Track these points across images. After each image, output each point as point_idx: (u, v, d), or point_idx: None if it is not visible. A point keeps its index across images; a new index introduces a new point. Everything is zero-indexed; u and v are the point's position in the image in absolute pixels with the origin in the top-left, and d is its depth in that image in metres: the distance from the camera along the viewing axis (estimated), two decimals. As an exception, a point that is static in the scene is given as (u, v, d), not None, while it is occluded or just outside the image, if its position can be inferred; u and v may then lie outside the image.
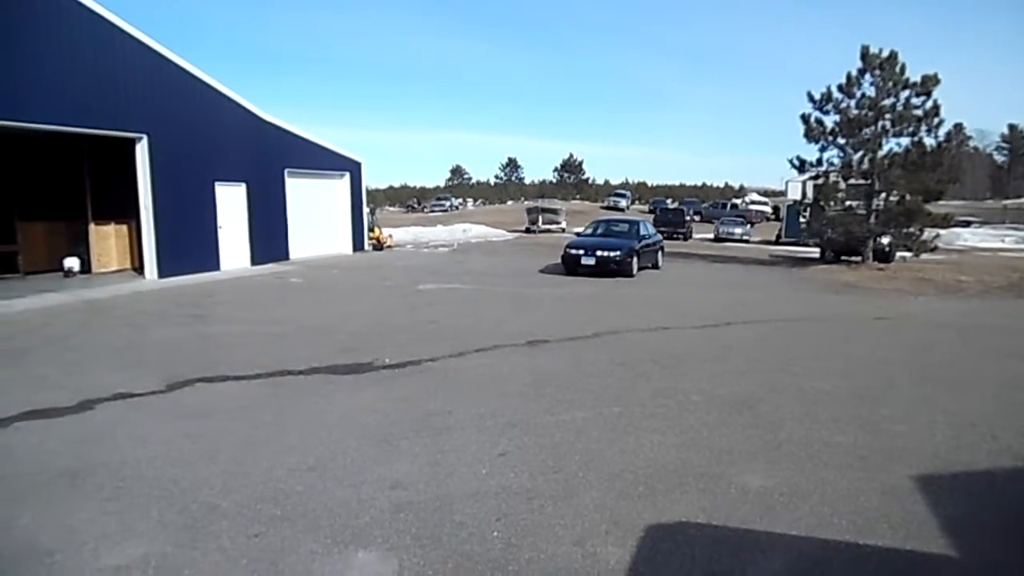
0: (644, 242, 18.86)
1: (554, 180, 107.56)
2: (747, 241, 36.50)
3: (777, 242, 35.43)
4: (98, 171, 17.70)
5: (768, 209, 56.57)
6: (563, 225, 41.56)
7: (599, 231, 19.92)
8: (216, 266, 17.74)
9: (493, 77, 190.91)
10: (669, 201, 67.93)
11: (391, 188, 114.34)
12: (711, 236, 38.40)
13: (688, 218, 39.65)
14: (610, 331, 10.44)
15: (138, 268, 17.05)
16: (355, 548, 3.89)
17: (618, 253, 17.38)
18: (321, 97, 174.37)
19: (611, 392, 7.13)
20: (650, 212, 53.58)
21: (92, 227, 17.35)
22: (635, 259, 17.68)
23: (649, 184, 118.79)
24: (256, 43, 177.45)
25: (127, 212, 16.97)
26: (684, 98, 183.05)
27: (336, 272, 18.40)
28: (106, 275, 16.86)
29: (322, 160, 22.07)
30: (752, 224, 43.72)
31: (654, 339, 10.04)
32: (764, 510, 4.43)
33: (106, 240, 17.51)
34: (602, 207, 67.03)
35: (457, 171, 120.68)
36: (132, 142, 15.74)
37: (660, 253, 20.57)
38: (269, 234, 19.62)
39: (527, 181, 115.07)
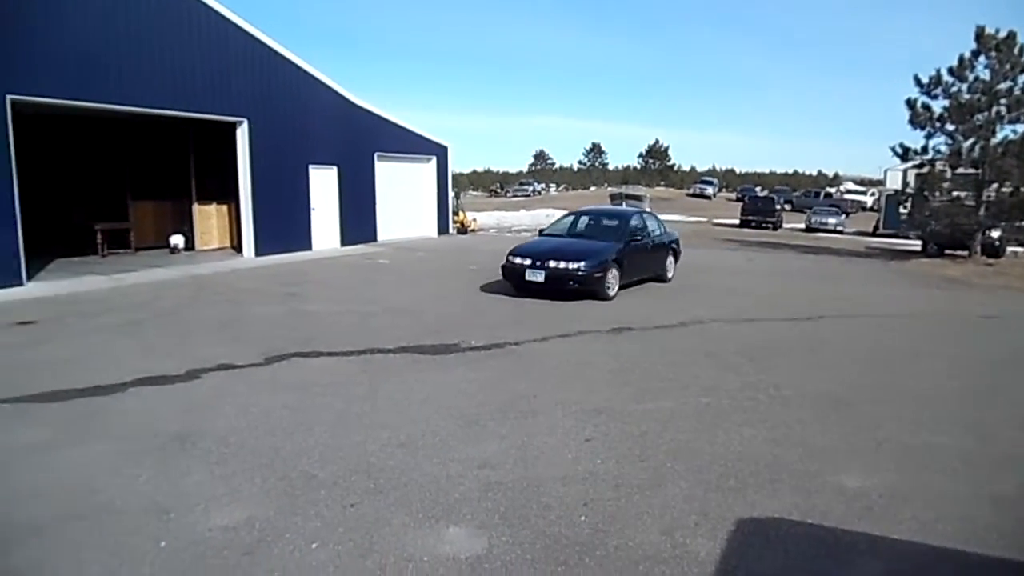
0: (635, 244, 12.71)
1: (638, 166, 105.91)
2: (841, 232, 34.93)
3: (874, 233, 33.79)
4: (202, 154, 18.62)
5: (865, 199, 53.96)
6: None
7: (572, 228, 13.71)
8: (308, 246, 18.39)
9: (579, 62, 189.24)
10: (758, 189, 65.74)
11: (474, 172, 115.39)
12: (802, 226, 36.98)
13: (778, 207, 38.26)
14: (697, 321, 10.24)
15: (236, 246, 17.88)
16: (446, 523, 3.99)
17: (582, 265, 11.31)
18: (408, 82, 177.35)
19: (698, 383, 7.00)
20: (738, 200, 52.12)
21: (196, 207, 18.31)
22: (613, 272, 11.74)
23: (737, 171, 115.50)
24: (346, 28, 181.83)
25: (227, 193, 17.79)
26: (776, 82, 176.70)
27: (422, 254, 18.76)
28: (207, 252, 17.76)
29: (410, 144, 22.46)
30: (847, 214, 41.81)
31: (741, 331, 9.78)
32: (862, 511, 4.27)
33: (208, 219, 18.42)
34: (688, 194, 65.64)
35: (540, 156, 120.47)
36: (233, 126, 16.47)
37: (671, 258, 14.32)
38: (358, 216, 20.16)
39: (611, 167, 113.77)
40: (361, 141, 20.22)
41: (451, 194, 25.50)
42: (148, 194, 18.46)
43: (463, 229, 25.96)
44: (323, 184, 18.87)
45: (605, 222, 13.57)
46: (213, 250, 18.13)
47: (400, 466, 4.79)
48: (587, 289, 11.42)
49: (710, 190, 64.50)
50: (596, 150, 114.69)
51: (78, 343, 8.33)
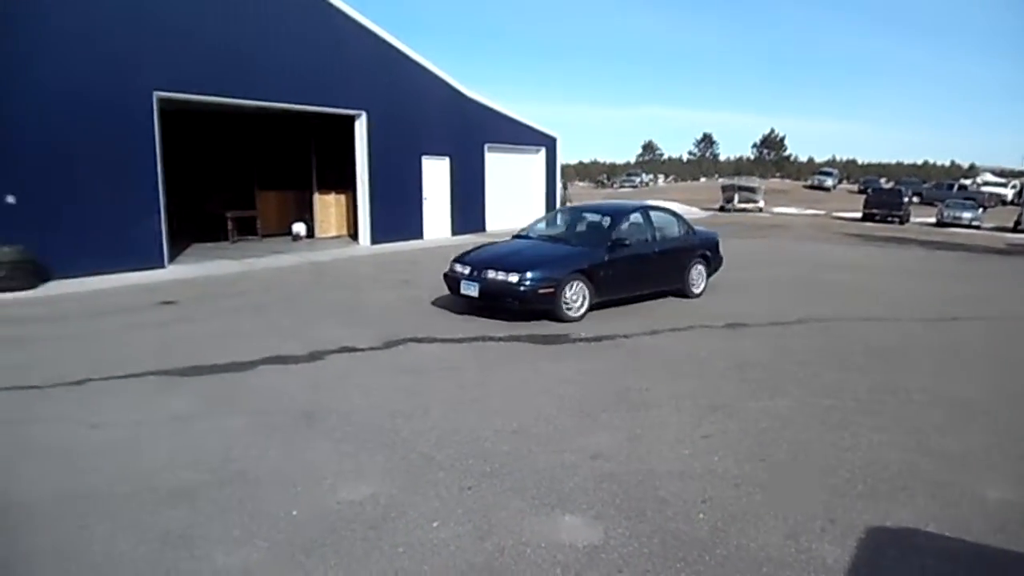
0: (625, 251, 9.85)
1: (752, 157, 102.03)
2: (978, 227, 32.34)
3: (1015, 229, 31.11)
4: (322, 146, 19.50)
5: (1005, 191, 49.71)
6: (760, 204, 39.41)
7: (552, 228, 11.35)
8: (420, 235, 18.91)
9: (690, 49, 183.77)
10: (883, 181, 61.88)
11: (580, 164, 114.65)
12: (932, 221, 34.51)
13: (905, 200, 35.82)
14: (817, 319, 9.78)
15: (353, 235, 18.62)
16: (561, 512, 4.01)
17: (525, 277, 8.88)
18: (517, 73, 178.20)
19: (820, 382, 6.69)
20: (860, 192, 49.22)
21: (316, 196, 19.21)
22: (577, 287, 9.19)
23: (860, 162, 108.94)
24: (456, 20, 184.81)
25: (345, 183, 18.55)
26: (903, 65, 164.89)
27: (529, 245, 18.85)
28: (326, 240, 18.60)
29: (519, 135, 22.62)
30: (984, 208, 38.60)
31: (867, 330, 9.25)
32: (1007, 526, 3.96)
33: (327, 208, 19.28)
34: (805, 186, 62.70)
35: (649, 147, 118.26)
36: (352, 119, 17.13)
37: (699, 267, 11.15)
38: (468, 206, 20.52)
39: (722, 158, 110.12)
40: (472, 132, 20.54)
41: (559, 185, 25.49)
42: (273, 184, 19.52)
43: (570, 220, 25.89)
44: (435, 175, 19.31)
45: (591, 221, 10.81)
46: (331, 238, 18.96)
47: (514, 452, 4.85)
48: (534, 308, 9.03)
49: (829, 181, 61.26)
50: (707, 140, 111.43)
51: (214, 323, 8.93)
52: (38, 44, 11.52)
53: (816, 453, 4.95)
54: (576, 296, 9.22)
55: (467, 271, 9.46)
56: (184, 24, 13.30)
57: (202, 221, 18.05)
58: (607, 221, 10.26)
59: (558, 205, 24.89)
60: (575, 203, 14.89)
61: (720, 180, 56.39)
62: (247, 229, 18.27)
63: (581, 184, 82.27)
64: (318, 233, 19.04)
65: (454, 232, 19.99)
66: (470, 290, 9.28)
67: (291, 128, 19.24)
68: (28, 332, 8.33)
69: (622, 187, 69.68)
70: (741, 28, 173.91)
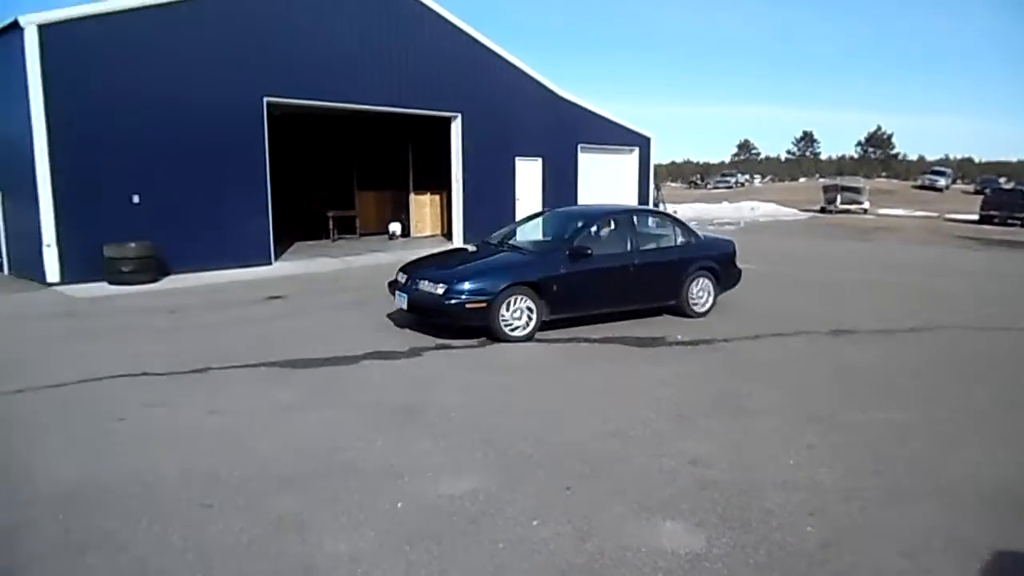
0: (591, 262, 8.45)
1: (856, 155, 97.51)
2: (1117, 232, 29.61)
3: None
4: (418, 147, 19.99)
5: None
6: (865, 205, 37.56)
7: (520, 234, 9.97)
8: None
9: (789, 45, 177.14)
10: (1002, 180, 57.65)
11: (673, 164, 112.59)
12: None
13: (1030, 201, 33.22)
14: (930, 327, 9.24)
15: (447, 234, 18.98)
16: (662, 517, 3.95)
17: (451, 289, 7.91)
18: (609, 72, 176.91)
19: (936, 394, 6.32)
20: (976, 193, 46.04)
21: (412, 197, 19.74)
22: (520, 303, 8.04)
23: (976, 160, 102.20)
24: (548, 19, 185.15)
25: (440, 184, 18.95)
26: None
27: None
28: (420, 239, 19.05)
29: (613, 135, 22.43)
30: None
31: (990, 340, 8.66)
32: None
33: (422, 208, 19.75)
34: (914, 186, 59.32)
35: (745, 146, 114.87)
36: (448, 120, 17.47)
37: (702, 281, 9.49)
38: (561, 207, 20.51)
39: (823, 157, 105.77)
40: (565, 133, 20.53)
41: (652, 185, 25.13)
42: (371, 185, 20.18)
43: (662, 221, 25.47)
44: (528, 175, 19.43)
45: (557, 228, 9.56)
46: (426, 237, 19.40)
47: (612, 454, 4.82)
48: (465, 325, 8.04)
49: (942, 181, 57.65)
50: (807, 139, 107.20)
51: (318, 317, 9.32)
52: (161, 58, 12.33)
53: (934, 469, 4.67)
54: (519, 312, 8.04)
55: (403, 279, 8.57)
56: (290, 32, 13.94)
57: (305, 220, 18.83)
58: (571, 227, 8.97)
59: (651, 205, 24.57)
60: (576, 207, 13.69)
61: (821, 180, 54.13)
62: (346, 228, 18.95)
63: (673, 185, 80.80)
64: (413, 232, 19.53)
65: (545, 233, 20.04)
66: (401, 301, 8.42)
67: (389, 130, 19.81)
68: (152, 323, 8.94)
69: (716, 187, 67.94)
70: (844, 19, 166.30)
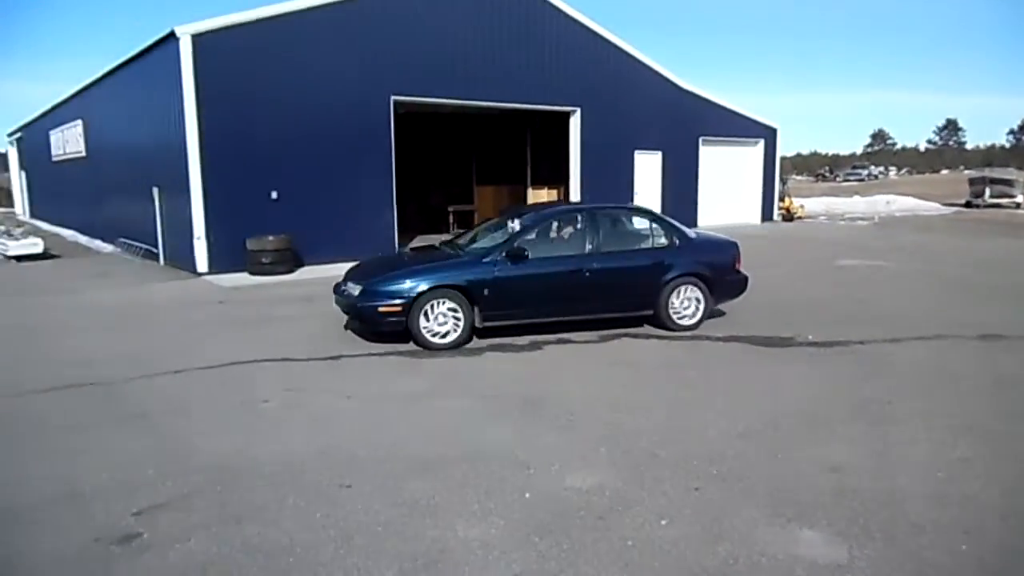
0: (532, 268, 7.72)
1: (1007, 145, 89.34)
2: None
3: None
4: (537, 142, 20.11)
5: None
6: (1019, 199, 34.23)
7: (476, 234, 9.27)
8: (629, 230, 18.83)
9: (928, 22, 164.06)
10: None
11: (799, 156, 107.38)
12: None
13: None
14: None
15: (563, 229, 19.01)
16: (798, 524, 3.79)
17: (372, 291, 7.57)
18: (729, 59, 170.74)
19: (1112, 409, 5.69)
20: None
21: (530, 191, 19.89)
22: (443, 307, 7.50)
23: None
24: (669, 7, 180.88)
25: (557, 178, 18.99)
26: None
27: (745, 242, 18.01)
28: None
29: (736, 127, 21.68)
30: None
31: None
32: None
33: (540, 202, 19.86)
34: (1078, 178, 53.43)
35: (879, 136, 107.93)
36: (567, 115, 17.47)
37: (683, 291, 8.30)
38: (679, 201, 20.03)
39: (969, 147, 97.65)
40: (686, 125, 20.05)
41: (777, 179, 24.09)
42: (489, 179, 20.54)
43: (789, 216, 24.38)
44: (647, 169, 19.12)
45: (504, 227, 8.57)
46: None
47: (741, 456, 4.67)
48: (382, 330, 7.66)
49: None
50: (950, 127, 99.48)
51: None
52: (297, 62, 13.05)
53: (1111, 491, 4.22)
54: (443, 318, 7.53)
55: (341, 280, 8.20)
56: (416, 33, 14.38)
57: (425, 215, 19.44)
58: (515, 227, 8.22)
59: (776, 201, 23.58)
60: (536, 205, 12.27)
61: (966, 172, 49.94)
62: (465, 222, 19.37)
63: (799, 178, 77.04)
64: (530, 227, 19.68)
65: (664, 227, 19.65)
66: (336, 304, 8.19)
67: (508, 125, 20.06)
68: (290, 311, 9.52)
69: (846, 180, 64.20)
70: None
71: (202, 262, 12.48)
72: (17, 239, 15.79)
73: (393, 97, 14.17)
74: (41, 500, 4.10)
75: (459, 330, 7.56)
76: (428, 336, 7.50)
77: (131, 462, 4.62)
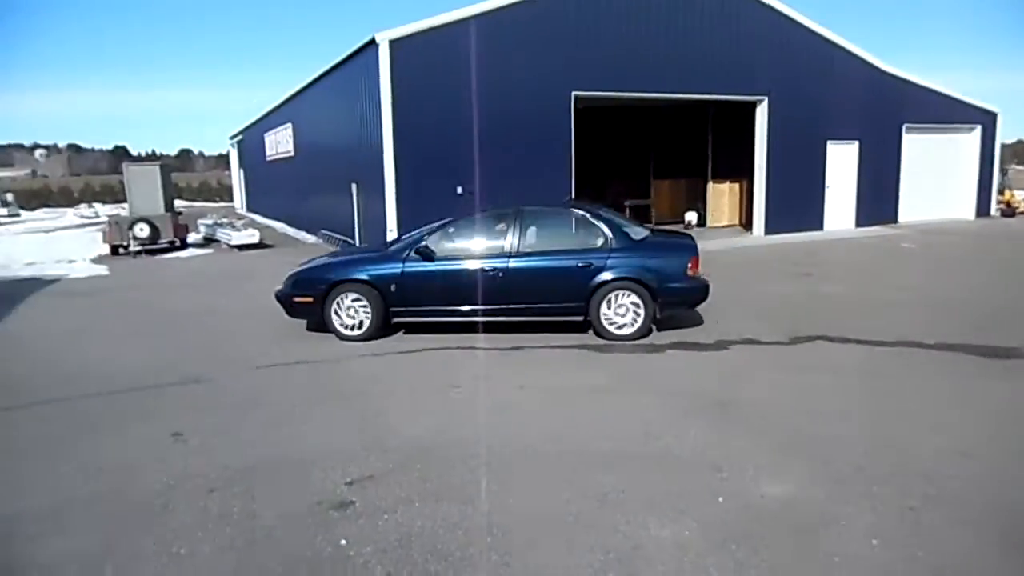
0: (440, 266, 7.75)
1: None
2: None
3: None
4: (718, 134, 19.38)
5: None
6: None
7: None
8: (819, 226, 17.62)
9: None
10: None
11: (1020, 143, 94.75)
12: None
13: None
14: None
15: (744, 224, 18.19)
16: (1038, 561, 3.37)
17: (289, 282, 8.20)
18: (939, 34, 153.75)
19: None
20: None
21: (710, 185, 19.22)
22: (352, 301, 7.79)
23: None
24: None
25: (739, 171, 18.17)
26: None
27: (957, 239, 16.25)
28: (717, 229, 18.50)
29: (947, 112, 19.51)
30: None
31: None
32: None
33: (720, 197, 19.14)
34: None
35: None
36: (753, 105, 16.64)
37: (625, 296, 7.64)
38: (877, 195, 18.45)
39: None
40: (887, 112, 18.36)
41: (996, 169, 21.42)
42: (667, 173, 20.09)
43: (1009, 211, 21.59)
44: (840, 160, 17.77)
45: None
46: (722, 227, 18.79)
47: (961, 477, 4.22)
48: (302, 319, 8.23)
49: None
50: None
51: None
52: (481, 61, 13.51)
53: None
54: (353, 311, 7.75)
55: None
56: (595, 26, 14.35)
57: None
58: (434, 225, 8.17)
59: (994, 194, 21.05)
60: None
61: None
62: (642, 217, 19.07)
63: (1019, 167, 67.97)
64: (709, 222, 19.04)
65: (859, 223, 18.18)
66: None
67: (687, 117, 19.50)
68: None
69: (1082, 170, 55.67)
70: None
71: (393, 253, 13.34)
72: (239, 231, 17.81)
73: (574, 92, 14.26)
74: (272, 464, 4.60)
75: (367, 324, 7.77)
76: (339, 327, 7.83)
77: (341, 436, 5.05)
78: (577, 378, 6.35)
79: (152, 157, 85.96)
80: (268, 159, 25.94)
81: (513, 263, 7.73)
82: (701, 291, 7.88)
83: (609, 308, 7.63)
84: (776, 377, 6.29)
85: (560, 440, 4.89)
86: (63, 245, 19.57)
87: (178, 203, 22.20)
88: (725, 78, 15.88)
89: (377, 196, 13.62)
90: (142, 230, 16.67)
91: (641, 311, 7.60)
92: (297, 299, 8.02)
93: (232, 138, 35.87)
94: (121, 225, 17.03)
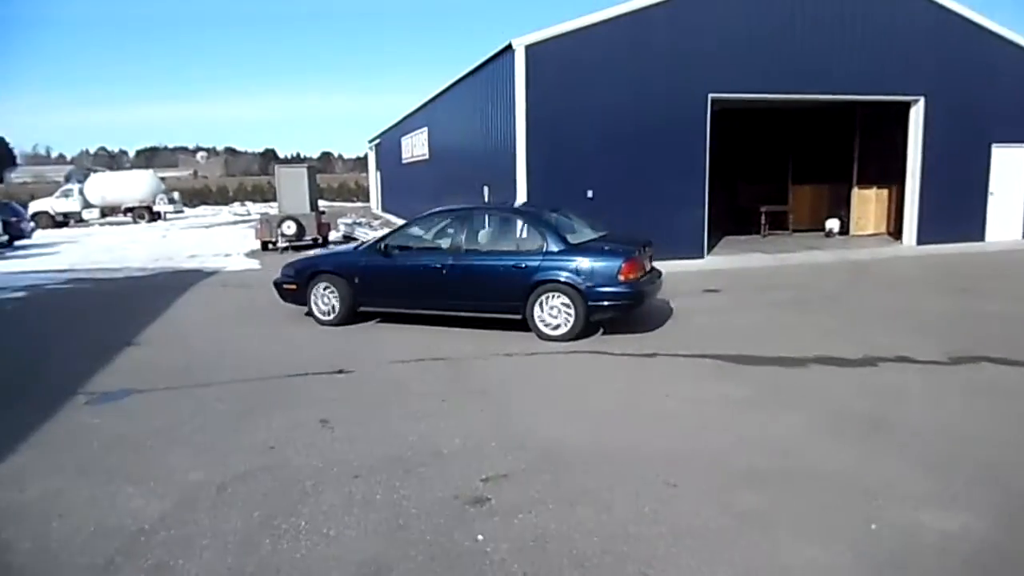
0: (396, 261, 8.67)
1: None
2: None
3: None
4: (865, 136, 18.18)
5: None
6: None
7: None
8: (979, 236, 16.12)
9: None
10: None
11: None
12: None
13: None
14: None
15: (893, 233, 16.97)
16: None
17: (282, 271, 9.61)
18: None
19: None
20: None
21: (855, 191, 18.06)
22: (324, 290, 8.92)
23: None
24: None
25: (888, 176, 16.94)
26: None
27: None
28: (862, 237, 17.37)
29: None
30: None
31: None
32: None
33: (866, 204, 17.95)
34: None
35: None
36: (906, 106, 15.50)
37: (556, 298, 7.92)
38: (1051, 203, 16.68)
39: None
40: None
41: None
42: (807, 178, 19.08)
43: None
44: (1007, 165, 16.18)
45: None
46: (868, 235, 17.62)
47: None
48: (293, 303, 9.31)
49: None
50: None
51: (756, 314, 9.17)
52: (614, 65, 13.41)
53: None
54: (325, 299, 8.89)
55: None
56: (734, 26, 13.85)
57: (733, 214, 18.71)
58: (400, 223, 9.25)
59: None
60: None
61: None
62: (778, 224, 18.30)
63: None
64: (853, 230, 17.91)
65: (1028, 234, 16.52)
66: None
67: (831, 118, 18.44)
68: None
69: None
70: None
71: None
72: (375, 230, 18.69)
73: (710, 95, 13.86)
74: (410, 455, 4.78)
75: (336, 311, 8.81)
76: (317, 313, 8.95)
77: (477, 432, 5.16)
78: (717, 389, 6.15)
79: (297, 159, 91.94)
80: (404, 161, 26.99)
81: (459, 262, 8.30)
82: (630, 296, 7.91)
83: (542, 309, 7.93)
84: (933, 398, 5.82)
85: (699, 452, 4.76)
86: (220, 240, 21.31)
87: (320, 203, 23.57)
88: (876, 77, 14.86)
89: (509, 198, 13.83)
90: (289, 227, 17.85)
91: (573, 315, 7.81)
92: (286, 285, 9.23)
93: (370, 141, 37.66)
94: (271, 223, 18.32)
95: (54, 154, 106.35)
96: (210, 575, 3.44)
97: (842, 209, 18.25)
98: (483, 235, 8.77)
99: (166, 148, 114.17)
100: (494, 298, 8.21)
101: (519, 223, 8.64)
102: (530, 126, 13.24)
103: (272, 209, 22.02)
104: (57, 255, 19.78)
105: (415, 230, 9.06)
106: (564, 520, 3.86)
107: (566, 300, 7.84)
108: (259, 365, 7.12)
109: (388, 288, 8.71)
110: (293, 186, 18.81)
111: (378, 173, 36.50)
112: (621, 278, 7.83)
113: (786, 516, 3.86)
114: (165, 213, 36.29)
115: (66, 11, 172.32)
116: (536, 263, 8.00)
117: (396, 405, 5.86)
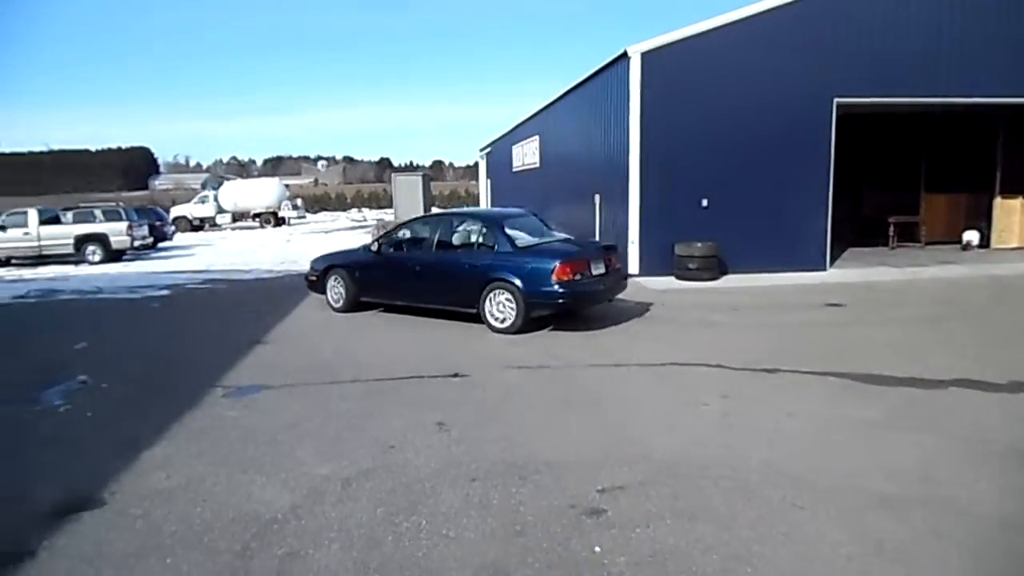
0: (390, 257, 10.17)
1: None
2: None
3: None
4: (1010, 142, 16.77)
5: None
6: None
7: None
8: None
9: None
10: None
11: None
12: None
13: None
14: None
15: (1042, 247, 15.56)
16: None
17: (312, 265, 11.11)
18: None
19: None
20: None
21: (997, 200, 16.69)
22: (335, 281, 10.51)
23: None
24: None
25: (1038, 186, 15.60)
26: None
27: None
28: (1005, 251, 16.00)
29: None
30: None
31: None
32: None
33: (1010, 215, 16.54)
34: None
35: None
36: (1062, 108, 14.21)
37: (501, 295, 8.81)
38: None
39: None
40: None
41: None
42: (941, 187, 17.79)
43: None
44: None
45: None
46: (1011, 249, 16.22)
47: None
48: (317, 293, 10.83)
49: None
50: None
51: (884, 331, 8.64)
52: (732, 70, 13.03)
53: None
54: (336, 289, 10.35)
55: None
56: (862, 28, 13.16)
57: (858, 225, 17.73)
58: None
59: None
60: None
61: None
62: (908, 235, 17.20)
63: None
64: (994, 243, 16.54)
65: None
66: None
67: (969, 121, 17.12)
68: (718, 318, 9.60)
69: None
70: None
71: (633, 264, 13.32)
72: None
73: (836, 99, 13.22)
74: (525, 461, 4.82)
75: (342, 300, 10.29)
76: (330, 300, 10.42)
77: (590, 442, 5.15)
78: (845, 408, 5.84)
79: (410, 167, 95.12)
80: (514, 170, 27.31)
81: (424, 260, 9.59)
82: (562, 296, 8.53)
83: (491, 305, 8.83)
84: (1095, 431, 5.29)
85: (828, 473, 4.54)
86: (339, 245, 22.25)
87: (433, 209, 24.21)
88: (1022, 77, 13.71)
89: (620, 207, 13.72)
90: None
91: (515, 311, 8.67)
92: (310, 277, 10.81)
93: (481, 150, 38.34)
94: (387, 228, 18.99)
95: (192, 163, 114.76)
96: (338, 567, 3.60)
97: (982, 220, 16.90)
98: (453, 237, 9.81)
99: (290, 157, 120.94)
100: (456, 294, 9.23)
101: (481, 227, 9.53)
102: (643, 133, 13.10)
103: (387, 215, 22.83)
104: (194, 256, 21.36)
105: (403, 232, 10.43)
106: (683, 536, 3.78)
107: (509, 296, 8.72)
108: (378, 366, 7.40)
109: (378, 283, 10.14)
110: (409, 193, 19.46)
111: (488, 181, 37.10)
112: (554, 278, 8.51)
113: (925, 548, 3.61)
114: (289, 218, 38.47)
115: (203, 38, 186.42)
116: (487, 263, 8.98)
117: (511, 411, 5.94)
